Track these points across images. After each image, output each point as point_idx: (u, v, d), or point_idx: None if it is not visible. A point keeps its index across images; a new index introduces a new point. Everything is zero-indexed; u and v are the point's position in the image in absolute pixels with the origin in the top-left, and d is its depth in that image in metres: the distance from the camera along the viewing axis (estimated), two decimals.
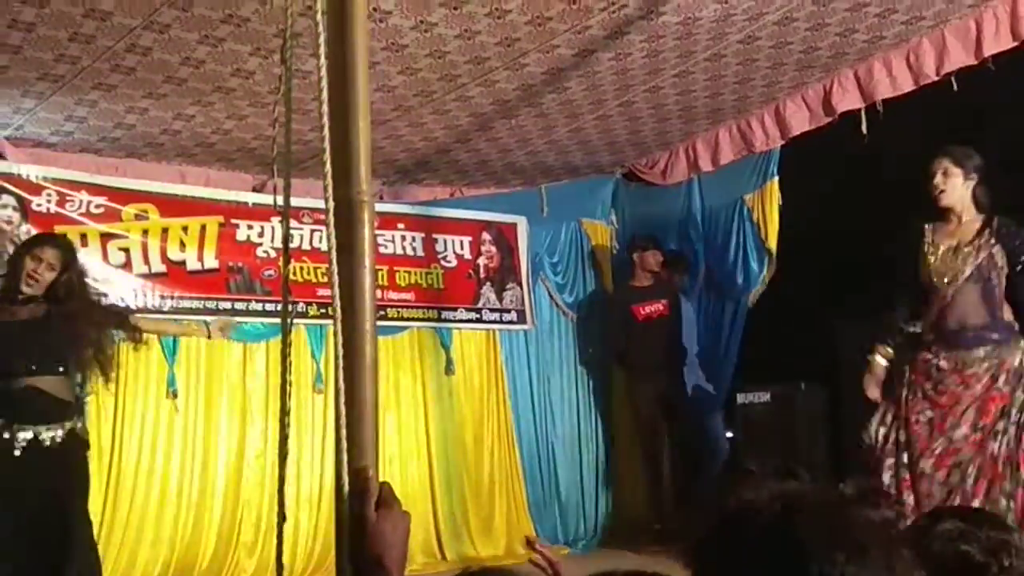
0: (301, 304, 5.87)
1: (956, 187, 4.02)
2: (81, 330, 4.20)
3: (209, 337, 5.21)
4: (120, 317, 4.48)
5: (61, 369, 4.14)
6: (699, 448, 6.41)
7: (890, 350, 4.11)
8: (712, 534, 1.07)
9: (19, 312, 4.17)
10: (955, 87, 5.02)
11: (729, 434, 6.48)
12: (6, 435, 3.98)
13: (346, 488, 1.52)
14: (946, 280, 3.95)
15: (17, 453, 3.99)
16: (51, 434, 4.05)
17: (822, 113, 5.63)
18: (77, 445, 4.20)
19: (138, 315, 4.84)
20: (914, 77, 5.15)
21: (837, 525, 1.00)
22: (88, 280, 4.34)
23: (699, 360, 6.65)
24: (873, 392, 4.12)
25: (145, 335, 4.60)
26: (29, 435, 4.01)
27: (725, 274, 6.61)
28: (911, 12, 4.74)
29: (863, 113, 5.41)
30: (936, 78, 5.06)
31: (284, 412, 1.71)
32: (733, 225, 6.56)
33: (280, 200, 1.87)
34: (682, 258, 6.76)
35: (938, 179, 4.02)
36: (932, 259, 4.00)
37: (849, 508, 1.04)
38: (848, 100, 5.44)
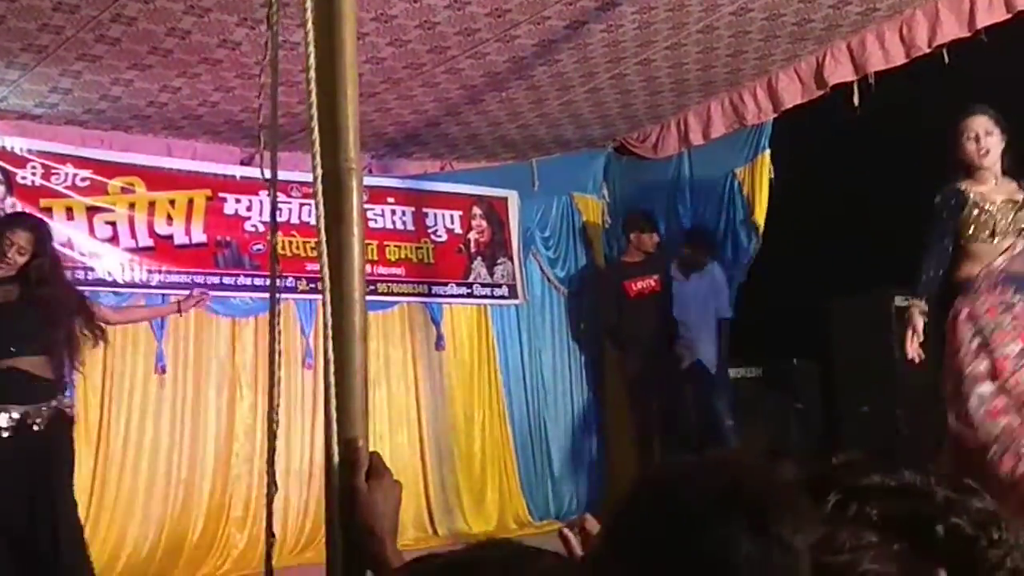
0: (290, 278, 5.83)
1: (995, 145, 4.09)
2: (55, 315, 4.20)
3: (180, 312, 5.13)
4: (87, 312, 4.42)
5: (40, 351, 4.13)
6: (693, 424, 6.38)
7: (926, 306, 4.11)
8: (623, 501, 1.03)
9: None
10: (947, 60, 5.01)
11: (730, 422, 6.43)
12: None
13: (336, 459, 1.51)
14: (1010, 230, 4.04)
15: (5, 435, 3.99)
16: (38, 414, 4.05)
17: (814, 86, 5.61)
18: (64, 424, 4.20)
19: (105, 307, 4.80)
20: (906, 49, 5.13)
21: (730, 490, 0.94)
22: (68, 255, 4.32)
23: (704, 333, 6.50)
24: (914, 348, 4.11)
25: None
26: (17, 415, 4.01)
27: (714, 249, 6.60)
28: None
29: (855, 86, 5.39)
30: (928, 50, 5.05)
31: (272, 384, 1.69)
32: (723, 199, 6.55)
33: (268, 173, 1.84)
34: (707, 240, 6.63)
35: (984, 139, 4.06)
36: (985, 215, 4.05)
37: (753, 470, 0.99)
38: (840, 72, 5.42)
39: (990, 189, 4.10)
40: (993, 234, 4.05)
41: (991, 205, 4.07)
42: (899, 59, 5.17)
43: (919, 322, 4.11)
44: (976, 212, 4.07)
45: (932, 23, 4.97)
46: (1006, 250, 4.02)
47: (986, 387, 3.81)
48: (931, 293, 4.12)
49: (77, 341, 4.28)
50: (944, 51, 5.00)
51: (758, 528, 0.92)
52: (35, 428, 4.04)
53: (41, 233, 4.33)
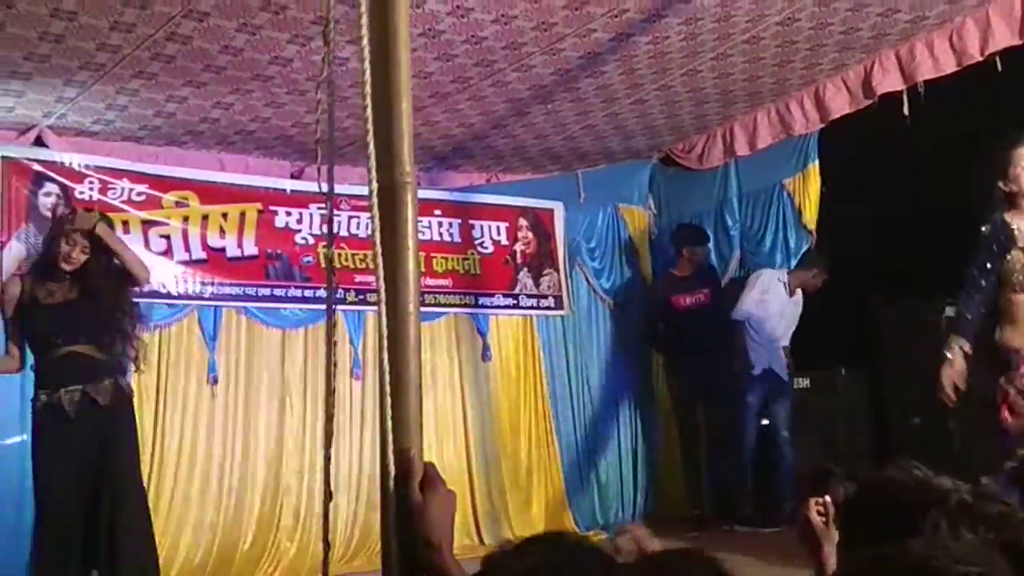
0: (340, 290, 5.89)
1: None
2: (108, 293, 4.37)
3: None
4: (131, 279, 4.55)
5: (96, 338, 4.31)
6: (748, 434, 6.33)
7: (968, 346, 4.01)
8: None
9: (56, 291, 4.35)
10: (999, 67, 4.94)
11: (765, 420, 6.38)
12: (57, 398, 4.18)
13: (391, 469, 1.53)
14: None
15: (72, 414, 4.18)
16: (99, 391, 4.23)
17: (862, 95, 5.55)
18: (126, 399, 4.38)
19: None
20: (957, 58, 5.06)
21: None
22: (116, 263, 4.44)
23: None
24: (950, 390, 4.00)
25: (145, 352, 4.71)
26: (78, 395, 4.19)
27: (763, 257, 6.57)
28: None
29: (905, 95, 5.33)
30: (980, 58, 4.97)
31: (329, 391, 1.72)
32: (772, 209, 6.53)
33: (324, 186, 1.88)
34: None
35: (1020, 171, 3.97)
36: None
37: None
38: (889, 81, 5.36)
39: None
40: None
41: None
42: (949, 67, 5.10)
43: (959, 367, 3.99)
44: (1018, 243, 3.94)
45: (983, 31, 4.91)
46: None
47: None
48: (975, 333, 4.01)
49: (128, 324, 4.45)
50: (996, 59, 4.94)
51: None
52: (99, 403, 4.22)
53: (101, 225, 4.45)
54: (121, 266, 4.45)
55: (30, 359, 4.43)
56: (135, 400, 4.53)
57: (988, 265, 3.98)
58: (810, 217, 6.32)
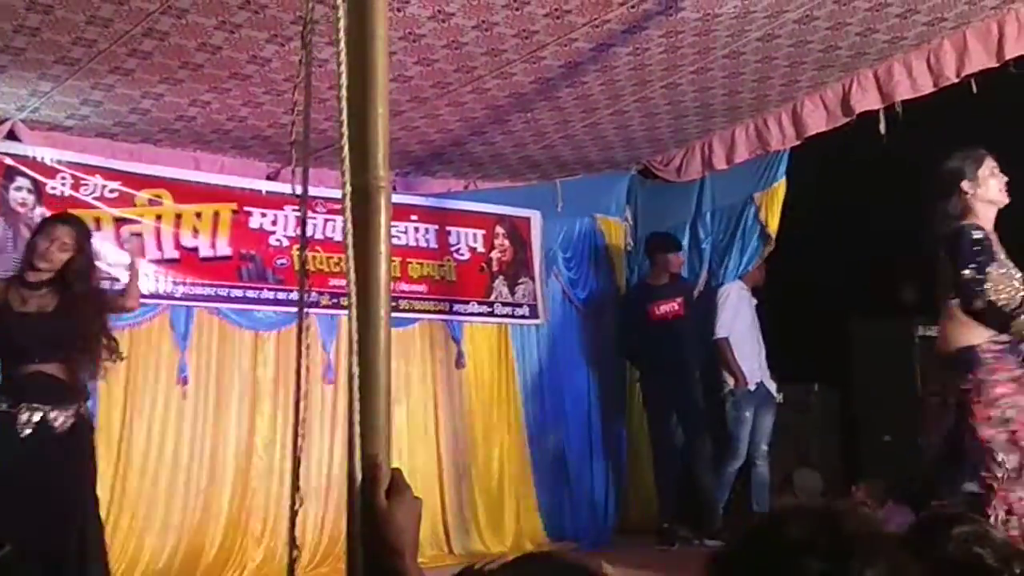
0: (313, 293, 5.86)
1: None
2: (87, 315, 4.25)
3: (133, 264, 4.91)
4: (114, 306, 4.53)
5: (67, 357, 4.18)
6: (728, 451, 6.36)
7: None
8: (735, 548, 1.14)
9: (30, 301, 4.21)
10: (974, 89, 4.99)
11: (765, 447, 6.41)
12: (12, 416, 4.00)
13: (358, 474, 1.52)
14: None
15: (24, 434, 4.01)
16: (60, 417, 4.08)
17: (840, 113, 5.60)
18: (86, 430, 4.23)
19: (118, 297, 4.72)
20: (934, 79, 5.12)
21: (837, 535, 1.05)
22: (98, 264, 4.36)
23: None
24: None
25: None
26: (37, 417, 4.04)
27: (727, 269, 6.65)
28: (933, 13, 4.70)
29: (882, 114, 5.38)
30: (956, 80, 5.03)
31: (300, 395, 1.70)
32: (740, 223, 6.59)
33: (297, 189, 1.86)
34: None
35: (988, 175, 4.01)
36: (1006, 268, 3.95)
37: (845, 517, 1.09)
38: (867, 100, 5.41)
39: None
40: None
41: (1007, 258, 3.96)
42: (927, 88, 5.16)
43: None
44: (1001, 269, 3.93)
45: (960, 53, 4.96)
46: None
47: None
48: None
49: (99, 350, 4.30)
50: (972, 81, 4.99)
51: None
52: (57, 430, 4.06)
53: (82, 229, 4.40)
54: (107, 286, 4.37)
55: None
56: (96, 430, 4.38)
57: (987, 270, 3.92)
58: (772, 229, 6.41)
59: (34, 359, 4.11)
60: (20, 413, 4.02)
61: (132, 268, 4.83)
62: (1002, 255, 3.95)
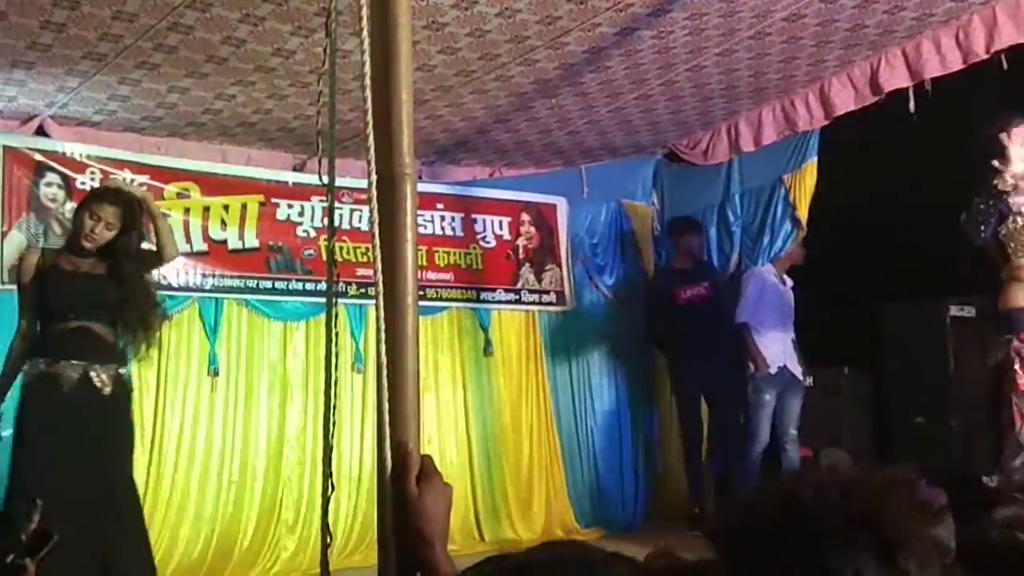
0: (341, 283, 5.88)
1: None
2: (132, 294, 4.22)
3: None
4: (156, 258, 4.47)
5: (112, 320, 4.17)
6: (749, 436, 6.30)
7: None
8: (742, 520, 1.02)
9: (81, 265, 4.22)
10: (1005, 65, 4.92)
11: (794, 431, 6.35)
12: (51, 376, 4.00)
13: (388, 461, 1.52)
14: None
15: (65, 389, 3.99)
16: (102, 375, 4.06)
17: (868, 92, 5.52)
18: (126, 391, 4.22)
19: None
20: (963, 55, 5.04)
21: (864, 512, 0.95)
22: (144, 244, 4.35)
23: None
24: None
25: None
26: (77, 374, 4.02)
27: (759, 252, 6.57)
28: None
29: (911, 92, 5.31)
30: (986, 56, 4.95)
31: (330, 384, 1.71)
32: (770, 205, 6.52)
33: (325, 178, 1.87)
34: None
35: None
36: None
37: (887, 494, 0.99)
38: (895, 78, 5.33)
39: None
40: None
41: None
42: (956, 64, 5.08)
43: None
44: None
45: (990, 28, 4.88)
46: None
47: None
48: None
49: (149, 322, 4.29)
50: (1003, 56, 4.92)
51: (886, 558, 0.93)
52: (99, 387, 4.04)
53: (129, 207, 4.27)
54: (149, 248, 4.33)
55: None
56: (134, 394, 4.37)
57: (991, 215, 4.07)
58: (803, 212, 6.33)
59: (77, 316, 4.09)
60: (61, 371, 3.99)
61: (151, 215, 4.48)
62: None
